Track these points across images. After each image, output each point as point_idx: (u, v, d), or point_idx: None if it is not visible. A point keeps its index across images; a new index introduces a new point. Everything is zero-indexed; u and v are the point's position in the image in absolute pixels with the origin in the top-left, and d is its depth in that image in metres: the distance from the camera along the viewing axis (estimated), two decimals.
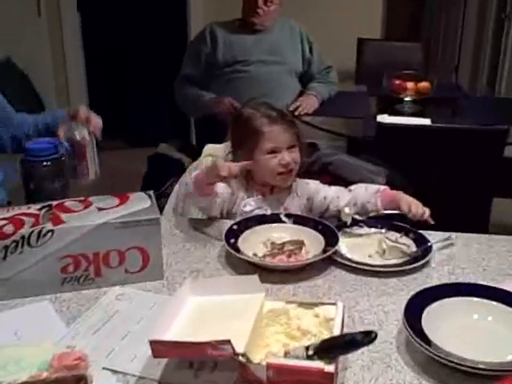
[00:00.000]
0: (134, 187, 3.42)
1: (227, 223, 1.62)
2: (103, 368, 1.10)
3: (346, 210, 1.64)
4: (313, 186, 1.79)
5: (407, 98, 3.17)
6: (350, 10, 4.41)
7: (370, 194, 1.68)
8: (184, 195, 1.74)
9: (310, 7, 4.32)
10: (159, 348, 1.02)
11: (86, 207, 1.38)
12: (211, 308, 1.16)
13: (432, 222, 1.61)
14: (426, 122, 2.85)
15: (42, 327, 1.22)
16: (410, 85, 3.14)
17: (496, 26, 4.97)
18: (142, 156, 3.95)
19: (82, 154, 1.60)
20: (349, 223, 1.62)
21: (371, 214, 1.68)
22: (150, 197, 1.43)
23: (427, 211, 1.60)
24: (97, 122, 1.74)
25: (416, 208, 1.59)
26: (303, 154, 1.77)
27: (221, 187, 1.66)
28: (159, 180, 3.74)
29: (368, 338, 0.97)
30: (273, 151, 1.70)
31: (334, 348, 1.00)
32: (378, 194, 1.67)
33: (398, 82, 3.16)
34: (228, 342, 0.97)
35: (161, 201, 1.76)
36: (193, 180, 1.63)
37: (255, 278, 1.19)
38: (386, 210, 1.67)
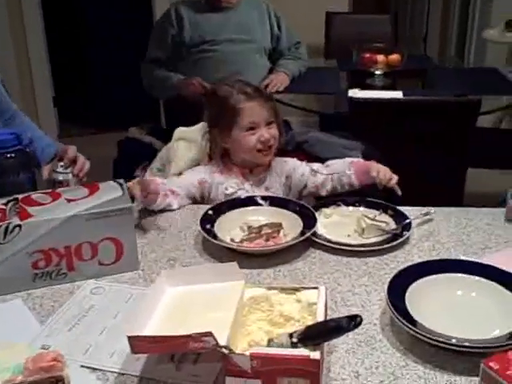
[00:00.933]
0: (105, 173, 3.39)
1: (202, 209, 1.58)
2: (81, 366, 1.06)
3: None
4: (290, 163, 1.77)
5: (378, 72, 3.15)
6: None
7: (344, 166, 1.68)
8: None
9: None
10: (138, 344, 0.98)
11: (54, 199, 1.33)
12: (190, 298, 1.13)
13: (399, 193, 1.60)
14: (398, 94, 2.83)
15: (14, 327, 1.18)
16: (380, 58, 3.11)
17: None
18: (112, 140, 3.88)
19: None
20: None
21: (346, 188, 1.68)
22: (120, 185, 1.38)
23: (395, 177, 1.60)
24: (83, 164, 1.67)
25: (384, 173, 1.59)
26: (281, 129, 1.75)
27: (189, 177, 1.66)
28: (130, 165, 3.67)
29: (353, 322, 0.95)
30: (251, 128, 1.68)
31: (318, 334, 0.97)
32: (351, 165, 1.67)
33: (368, 55, 3.13)
34: (210, 333, 0.94)
35: None
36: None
37: (234, 264, 1.16)
38: (360, 181, 1.66)
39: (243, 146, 1.70)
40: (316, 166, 1.73)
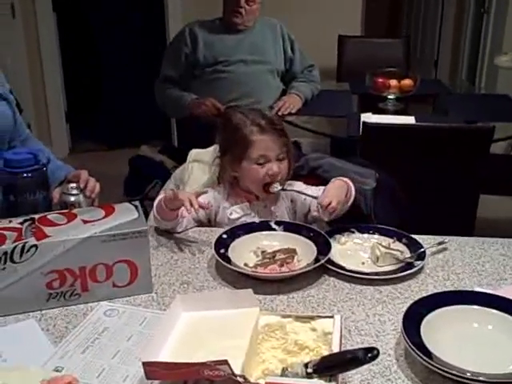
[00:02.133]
0: (115, 190, 3.41)
1: (216, 232, 1.58)
2: None
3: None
4: (295, 187, 1.76)
5: (390, 96, 3.15)
6: (330, 8, 4.38)
7: None
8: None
9: (290, 5, 4.29)
10: (153, 370, 0.98)
11: (70, 220, 1.34)
12: (205, 324, 1.13)
13: (326, 219, 1.58)
14: (411, 119, 2.84)
15: (28, 348, 1.18)
16: (393, 83, 3.12)
17: (475, 20, 4.99)
18: (123, 158, 3.91)
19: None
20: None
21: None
22: (136, 207, 1.38)
23: (333, 203, 1.51)
24: (94, 185, 1.68)
25: (324, 198, 1.53)
26: (291, 166, 1.74)
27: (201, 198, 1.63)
28: (141, 183, 3.69)
29: (370, 354, 0.94)
30: (261, 161, 1.67)
31: (334, 366, 0.97)
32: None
33: (381, 80, 3.14)
34: (225, 362, 0.93)
35: (144, 204, 1.72)
36: (155, 204, 1.62)
37: (249, 291, 1.16)
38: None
39: (251, 177, 1.70)
40: (318, 190, 1.71)
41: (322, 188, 1.67)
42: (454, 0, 5.32)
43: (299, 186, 1.76)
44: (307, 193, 1.67)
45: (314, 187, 1.74)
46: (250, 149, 1.66)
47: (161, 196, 1.63)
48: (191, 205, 1.52)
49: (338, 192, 1.56)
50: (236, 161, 1.70)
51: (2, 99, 1.72)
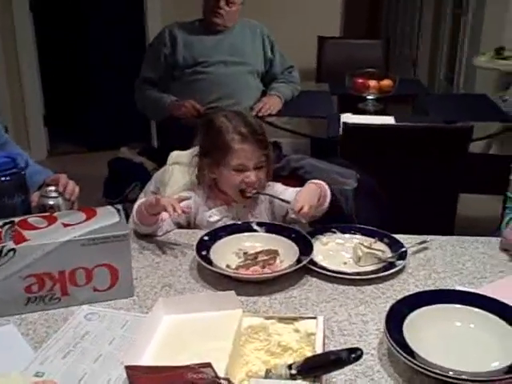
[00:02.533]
0: (95, 192, 3.38)
1: (197, 233, 1.57)
2: None
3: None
4: (274, 188, 1.76)
5: (370, 96, 3.17)
6: (310, 9, 4.38)
7: None
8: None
9: (270, 7, 4.29)
10: (136, 374, 0.97)
11: (50, 223, 1.32)
12: (187, 327, 1.12)
13: (304, 221, 1.57)
14: (390, 120, 2.85)
15: (7, 353, 1.16)
16: (372, 83, 3.14)
17: (453, 21, 5.03)
18: (102, 160, 3.89)
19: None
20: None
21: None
22: (118, 211, 1.37)
23: (304, 208, 1.51)
24: (73, 189, 1.66)
25: (296, 203, 1.53)
26: (270, 171, 1.74)
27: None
28: (121, 185, 3.67)
29: (353, 355, 0.94)
30: (239, 169, 1.67)
31: (318, 367, 0.97)
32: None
33: (360, 80, 3.16)
34: (209, 364, 0.93)
35: (124, 206, 1.71)
36: (135, 209, 1.61)
37: (232, 293, 1.15)
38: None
39: (228, 182, 1.70)
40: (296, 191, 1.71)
41: (297, 190, 1.68)
42: (432, 1, 5.37)
43: (278, 187, 1.76)
44: (280, 197, 1.67)
45: (292, 189, 1.74)
46: (230, 156, 1.66)
47: (141, 201, 1.61)
48: (174, 210, 1.51)
49: (310, 196, 1.56)
50: (214, 164, 1.70)
51: None
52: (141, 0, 4.43)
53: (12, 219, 1.33)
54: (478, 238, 1.61)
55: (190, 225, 1.73)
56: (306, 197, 1.54)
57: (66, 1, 4.67)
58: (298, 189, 1.66)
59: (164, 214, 1.59)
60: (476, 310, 1.19)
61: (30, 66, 4.49)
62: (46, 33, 4.58)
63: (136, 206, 1.61)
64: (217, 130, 1.69)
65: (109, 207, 1.39)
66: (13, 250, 1.23)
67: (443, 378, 1.03)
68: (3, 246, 1.23)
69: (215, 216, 1.71)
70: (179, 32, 3.18)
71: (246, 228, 1.58)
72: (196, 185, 1.79)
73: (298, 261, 1.41)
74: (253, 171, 1.67)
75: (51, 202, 1.59)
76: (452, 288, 1.35)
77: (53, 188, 1.61)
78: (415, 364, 1.05)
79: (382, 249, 1.50)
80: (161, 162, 2.11)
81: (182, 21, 3.28)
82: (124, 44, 4.56)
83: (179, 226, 1.70)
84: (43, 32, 4.56)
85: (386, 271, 1.41)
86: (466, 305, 1.20)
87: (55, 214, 1.38)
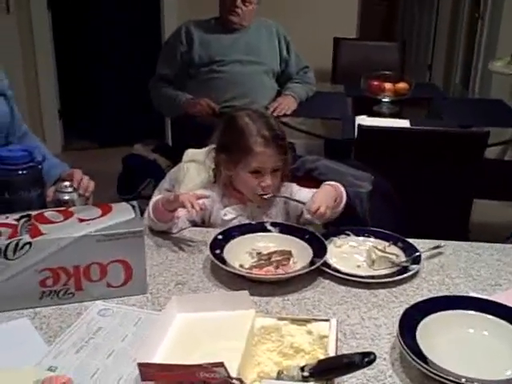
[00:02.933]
0: (108, 188, 3.39)
1: (211, 232, 1.58)
2: None
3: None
4: (289, 188, 1.76)
5: (385, 99, 3.16)
6: (326, 10, 4.38)
7: None
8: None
9: (286, 7, 4.28)
10: (148, 371, 0.97)
11: (66, 218, 1.33)
12: (200, 326, 1.12)
13: (318, 222, 1.60)
14: (405, 123, 2.84)
15: (21, 347, 1.17)
16: (388, 86, 3.13)
17: (469, 25, 5.01)
18: (116, 156, 3.90)
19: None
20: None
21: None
22: (133, 207, 1.37)
23: (321, 209, 1.52)
24: (88, 183, 1.67)
25: (312, 203, 1.54)
26: (286, 178, 1.74)
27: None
28: (134, 181, 3.68)
29: (366, 359, 0.94)
30: (257, 171, 1.66)
31: (330, 370, 0.97)
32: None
33: (376, 83, 3.15)
34: (221, 364, 0.93)
35: (137, 202, 1.72)
36: (151, 205, 1.60)
37: (245, 293, 1.15)
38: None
39: (243, 183, 1.70)
40: (311, 192, 1.70)
41: (313, 191, 1.67)
42: (449, 5, 5.35)
43: (293, 187, 1.76)
44: (296, 199, 1.68)
45: (306, 189, 1.74)
46: (250, 158, 1.65)
47: (157, 197, 1.61)
48: (192, 206, 1.51)
49: (326, 197, 1.56)
50: (232, 162, 1.69)
51: None
52: None
53: (29, 212, 1.34)
54: (492, 244, 1.60)
55: (204, 222, 1.73)
56: (322, 198, 1.54)
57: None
58: (312, 190, 1.66)
59: (179, 212, 1.60)
60: (490, 317, 1.18)
61: (47, 61, 4.52)
62: (63, 30, 4.61)
63: (152, 202, 1.61)
64: (240, 130, 1.68)
65: (124, 203, 1.40)
66: (29, 243, 1.24)
67: None
68: (19, 240, 1.24)
69: (230, 214, 1.71)
70: (196, 30, 3.19)
71: (260, 228, 1.58)
72: (211, 183, 1.80)
73: (312, 262, 1.41)
74: (269, 175, 1.66)
75: (66, 198, 1.60)
76: (466, 294, 1.34)
77: (68, 183, 1.63)
78: (428, 370, 1.05)
79: (395, 252, 1.50)
80: (174, 159, 2.12)
81: (198, 19, 3.29)
82: (140, 41, 4.58)
83: (194, 223, 1.70)
84: (60, 29, 4.59)
85: (400, 275, 1.41)
86: (480, 311, 1.20)
87: (71, 209, 1.38)
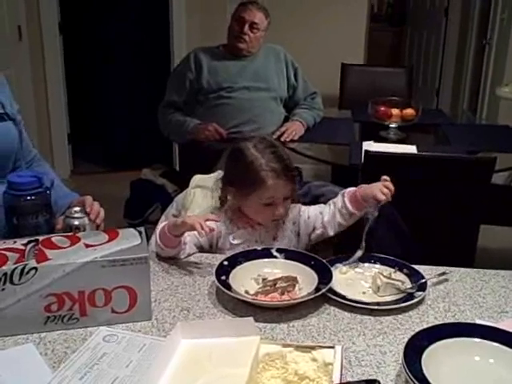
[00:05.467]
0: (115, 212, 3.40)
1: (217, 258, 1.58)
2: None
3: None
4: (295, 209, 1.77)
5: (392, 125, 3.17)
6: (334, 36, 4.42)
7: (339, 199, 1.70)
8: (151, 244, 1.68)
9: (294, 33, 4.33)
10: None
11: (73, 243, 1.34)
12: (205, 352, 1.12)
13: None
14: (412, 149, 2.85)
15: (26, 372, 1.17)
16: (395, 111, 3.14)
17: (476, 51, 5.04)
18: (124, 180, 3.92)
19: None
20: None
21: (349, 220, 1.70)
22: (140, 233, 1.38)
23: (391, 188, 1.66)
24: (98, 211, 1.66)
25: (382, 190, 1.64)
26: (294, 202, 1.77)
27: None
28: (142, 206, 3.70)
29: None
30: (269, 202, 1.68)
31: None
32: (344, 195, 1.69)
33: (383, 108, 3.16)
34: None
35: (144, 227, 1.72)
36: (158, 231, 1.60)
37: (250, 320, 1.15)
38: (356, 208, 1.67)
39: (255, 214, 1.71)
40: (319, 207, 1.76)
41: (321, 206, 1.74)
42: (456, 31, 5.38)
43: (300, 207, 1.79)
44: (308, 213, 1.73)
45: (312, 207, 1.76)
46: (261, 190, 1.66)
47: (164, 223, 1.62)
48: (202, 228, 1.52)
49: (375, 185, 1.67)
50: (242, 195, 1.70)
51: (8, 119, 1.72)
52: (167, 25, 4.49)
53: (37, 238, 1.35)
54: (499, 271, 1.59)
55: (211, 247, 1.73)
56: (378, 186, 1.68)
57: (94, 25, 4.77)
58: (321, 205, 1.73)
59: (186, 237, 1.60)
60: (496, 344, 1.17)
61: (57, 86, 4.58)
62: (74, 54, 4.67)
63: (159, 228, 1.61)
64: (247, 164, 1.67)
65: (132, 229, 1.40)
66: (35, 268, 1.24)
67: None
68: (25, 265, 1.24)
69: (238, 239, 1.72)
70: (204, 57, 3.23)
71: (266, 254, 1.58)
72: (217, 208, 1.80)
73: (317, 289, 1.41)
74: (281, 204, 1.68)
75: (76, 223, 1.58)
76: (472, 321, 1.34)
77: (78, 208, 1.60)
78: None
79: (401, 279, 1.49)
80: (182, 184, 2.13)
81: (206, 46, 3.33)
82: (149, 67, 4.63)
83: (201, 249, 1.71)
84: (70, 53, 4.65)
85: (406, 302, 1.40)
86: (486, 339, 1.19)
87: (79, 235, 1.39)
